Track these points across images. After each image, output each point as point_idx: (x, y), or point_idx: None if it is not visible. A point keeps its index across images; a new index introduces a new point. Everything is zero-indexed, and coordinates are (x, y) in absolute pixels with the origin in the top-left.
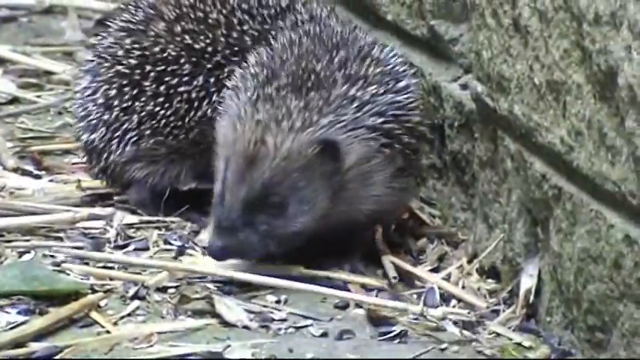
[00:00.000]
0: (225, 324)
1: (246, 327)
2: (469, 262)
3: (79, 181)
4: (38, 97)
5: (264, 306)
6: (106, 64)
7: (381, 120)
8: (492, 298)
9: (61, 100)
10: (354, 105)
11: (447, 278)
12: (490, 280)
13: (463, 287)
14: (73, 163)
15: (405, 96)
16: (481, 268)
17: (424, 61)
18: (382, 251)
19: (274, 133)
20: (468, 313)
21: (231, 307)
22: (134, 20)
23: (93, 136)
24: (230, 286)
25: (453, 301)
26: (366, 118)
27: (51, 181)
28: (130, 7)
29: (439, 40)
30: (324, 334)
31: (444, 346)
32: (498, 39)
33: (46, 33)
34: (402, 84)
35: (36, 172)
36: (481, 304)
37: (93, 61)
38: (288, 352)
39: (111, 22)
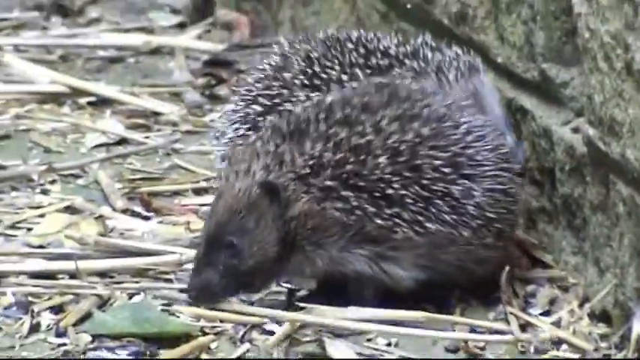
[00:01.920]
0: None
1: None
2: (580, 306)
3: (188, 222)
4: (146, 137)
5: (375, 349)
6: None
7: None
8: (604, 342)
9: (169, 142)
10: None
11: (558, 322)
12: (601, 325)
13: (574, 332)
14: (182, 205)
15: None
16: (592, 313)
17: (534, 104)
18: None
19: (231, 175)
20: (579, 358)
21: (342, 350)
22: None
23: None
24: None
25: (564, 346)
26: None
27: (160, 222)
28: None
29: (550, 83)
30: None
31: None
32: (610, 82)
33: (154, 73)
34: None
35: (145, 213)
36: (592, 348)
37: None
38: None
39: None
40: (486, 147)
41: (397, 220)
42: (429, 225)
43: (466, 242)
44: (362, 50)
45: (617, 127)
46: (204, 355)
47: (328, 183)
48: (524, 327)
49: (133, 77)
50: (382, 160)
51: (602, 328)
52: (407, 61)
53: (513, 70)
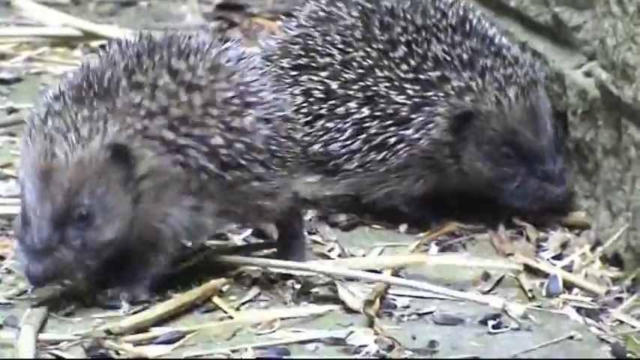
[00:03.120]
0: (348, 310)
1: (369, 313)
2: (592, 249)
3: None
4: None
5: (387, 293)
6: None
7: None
8: (615, 286)
9: None
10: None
11: (570, 266)
12: (613, 268)
13: (586, 275)
14: None
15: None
16: (604, 256)
17: (547, 48)
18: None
19: (62, 145)
20: (591, 301)
21: (354, 294)
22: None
23: None
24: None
25: (576, 289)
26: (158, 129)
27: None
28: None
29: (563, 27)
30: (452, 321)
31: (567, 334)
32: (623, 26)
33: (166, 17)
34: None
35: None
36: (604, 291)
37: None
38: (411, 338)
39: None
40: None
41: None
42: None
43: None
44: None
45: (629, 70)
46: (216, 299)
47: (165, 133)
48: (534, 271)
49: (145, 20)
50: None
51: (613, 272)
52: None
53: (526, 13)
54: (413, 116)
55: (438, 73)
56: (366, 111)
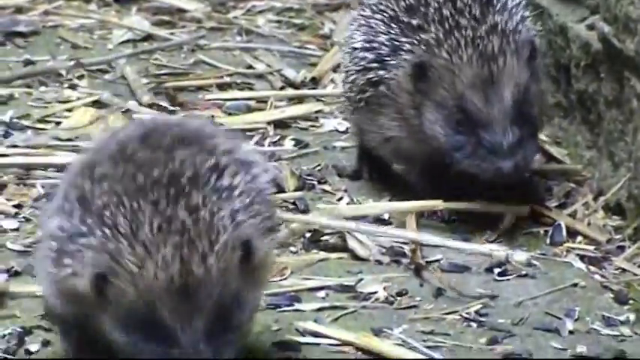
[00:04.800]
0: (357, 258)
1: (378, 261)
2: (594, 199)
3: (212, 116)
4: (171, 34)
5: (396, 241)
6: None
7: None
8: (618, 234)
9: (193, 38)
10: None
11: (573, 215)
12: (615, 217)
13: (589, 224)
14: (206, 99)
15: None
16: (606, 206)
17: (550, 2)
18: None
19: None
20: (594, 249)
21: (363, 242)
22: None
23: None
24: (362, 221)
25: (579, 238)
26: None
27: (185, 116)
28: None
29: None
30: (458, 269)
31: (571, 282)
32: None
33: None
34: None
35: (170, 107)
36: (606, 240)
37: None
38: (419, 286)
39: None
40: None
41: None
42: None
43: None
44: None
45: (631, 24)
46: None
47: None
48: (539, 219)
49: None
50: None
51: (616, 221)
52: None
53: None
54: (388, 58)
55: (418, 20)
56: (360, 43)
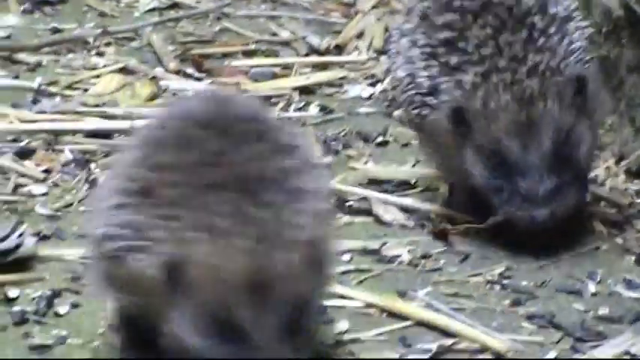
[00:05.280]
0: (382, 222)
1: (402, 225)
2: (616, 163)
3: (238, 83)
4: (197, 2)
5: (421, 206)
6: None
7: None
8: (639, 198)
9: (219, 6)
10: None
11: (595, 179)
12: (637, 181)
13: (610, 188)
14: (232, 67)
15: None
16: (628, 170)
17: None
18: None
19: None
20: (616, 212)
21: (387, 207)
22: None
23: None
24: (387, 186)
25: (602, 202)
26: None
27: (211, 83)
28: None
29: None
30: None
31: (593, 245)
32: None
33: None
34: None
35: (196, 74)
36: (628, 204)
37: None
38: (443, 249)
39: None
40: None
41: None
42: None
43: None
44: None
45: None
46: None
47: None
48: None
49: None
50: None
51: (637, 185)
52: None
53: None
54: (428, 97)
55: (457, 59)
56: (402, 72)
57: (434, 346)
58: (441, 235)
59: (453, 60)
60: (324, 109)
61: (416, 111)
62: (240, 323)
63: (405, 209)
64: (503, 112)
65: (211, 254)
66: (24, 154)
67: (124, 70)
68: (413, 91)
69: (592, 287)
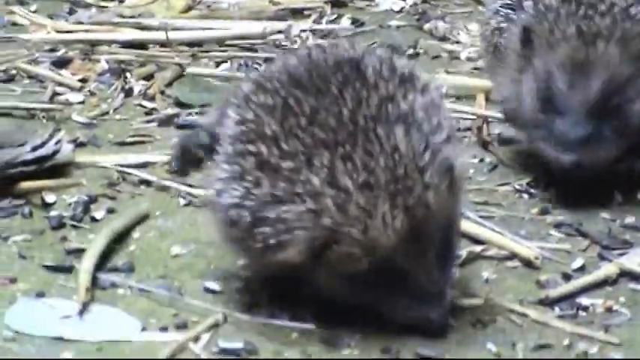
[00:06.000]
0: None
1: None
2: None
3: None
4: None
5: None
6: None
7: None
8: None
9: None
10: None
11: None
12: None
13: None
14: None
15: None
16: None
17: None
18: None
19: None
20: None
21: None
22: None
23: None
24: None
25: None
26: None
27: None
28: None
29: None
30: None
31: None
32: None
33: None
34: None
35: None
36: None
37: None
38: (475, 160)
39: None
40: None
41: None
42: None
43: None
44: None
45: None
46: None
47: None
48: None
49: None
50: None
51: None
52: None
53: None
54: (510, 10)
55: None
56: None
57: (464, 253)
58: (483, 145)
59: None
60: (355, 21)
61: (496, 20)
62: (404, 274)
63: None
64: (564, 43)
65: (355, 220)
66: (61, 63)
67: None
68: (501, 2)
69: (619, 197)
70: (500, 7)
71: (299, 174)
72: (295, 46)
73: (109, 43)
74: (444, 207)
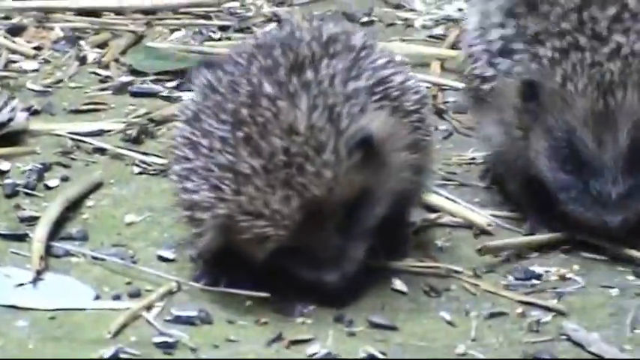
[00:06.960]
0: None
1: None
2: None
3: None
4: None
5: None
6: None
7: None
8: None
9: None
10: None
11: None
12: None
13: None
14: None
15: None
16: None
17: None
18: None
19: None
20: None
21: None
22: None
23: None
24: None
25: None
26: None
27: None
28: None
29: None
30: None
31: None
32: None
33: None
34: None
35: None
36: None
37: None
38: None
39: None
40: None
41: None
42: None
43: None
44: None
45: None
46: None
47: None
48: None
49: None
50: None
51: None
52: None
53: None
54: (497, 59)
55: (537, 27)
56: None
57: (418, 220)
58: (437, 113)
59: (532, 27)
60: None
61: (479, 71)
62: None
63: None
64: (580, 97)
65: None
66: (15, 31)
67: None
68: (481, 46)
69: None
70: (483, 50)
71: (212, 155)
72: (250, 13)
73: (64, 10)
74: (354, 180)
